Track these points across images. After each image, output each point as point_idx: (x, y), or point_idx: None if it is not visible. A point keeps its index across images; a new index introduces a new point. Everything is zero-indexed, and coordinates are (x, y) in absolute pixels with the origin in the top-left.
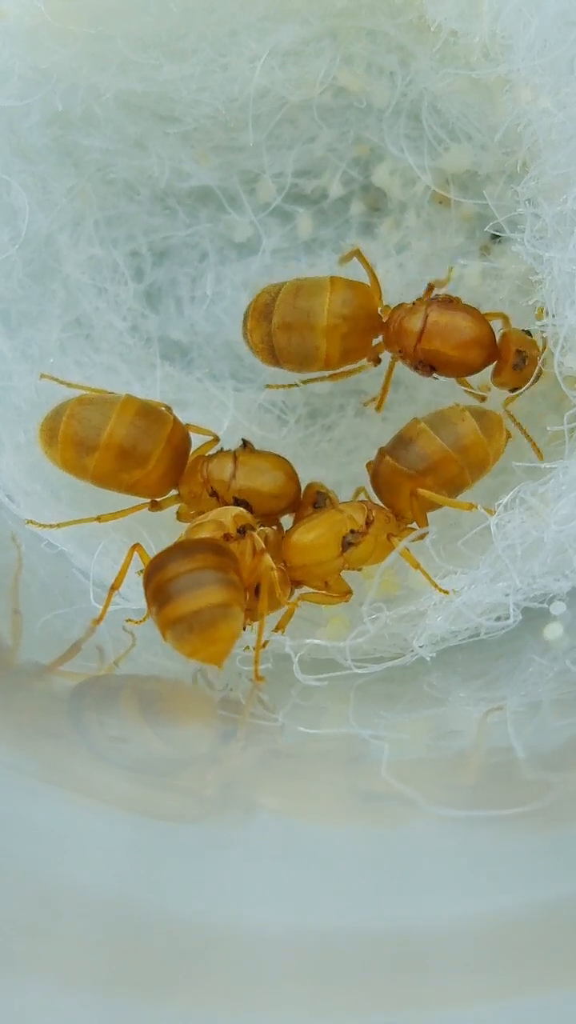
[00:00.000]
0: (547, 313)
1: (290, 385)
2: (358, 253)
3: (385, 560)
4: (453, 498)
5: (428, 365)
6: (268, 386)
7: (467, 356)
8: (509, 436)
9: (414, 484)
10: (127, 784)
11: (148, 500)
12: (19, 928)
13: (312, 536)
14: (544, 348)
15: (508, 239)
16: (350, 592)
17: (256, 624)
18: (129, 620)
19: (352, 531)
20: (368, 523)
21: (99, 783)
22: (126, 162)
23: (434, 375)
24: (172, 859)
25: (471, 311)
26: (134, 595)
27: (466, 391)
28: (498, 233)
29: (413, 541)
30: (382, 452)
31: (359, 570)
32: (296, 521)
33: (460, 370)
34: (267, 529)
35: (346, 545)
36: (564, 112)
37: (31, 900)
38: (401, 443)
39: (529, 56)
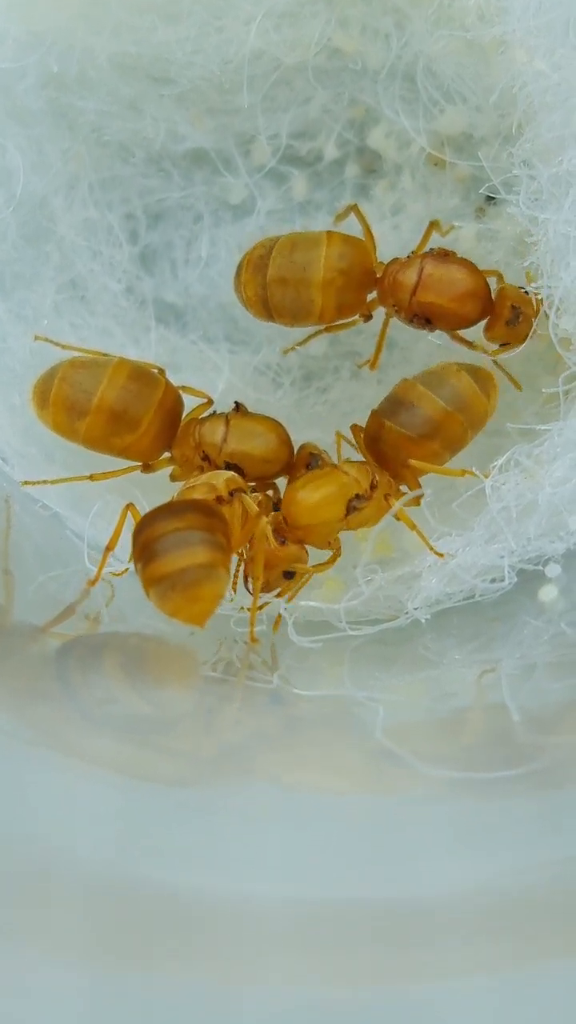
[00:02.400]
0: (542, 275)
1: (306, 339)
2: (355, 209)
3: (379, 522)
4: (453, 455)
5: (424, 318)
6: (284, 351)
7: (463, 308)
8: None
9: (418, 448)
10: (118, 747)
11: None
12: (8, 895)
13: (319, 496)
14: (539, 309)
15: (503, 201)
16: (338, 554)
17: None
18: (110, 572)
19: (358, 496)
20: (372, 487)
21: (90, 746)
22: (121, 124)
23: (429, 328)
24: (164, 824)
25: (466, 263)
26: (128, 555)
27: (458, 343)
28: (493, 195)
29: (408, 504)
30: (378, 415)
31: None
32: (290, 484)
33: (455, 322)
34: (259, 494)
35: (351, 509)
36: (559, 74)
37: (21, 866)
38: (400, 406)
39: (524, 18)
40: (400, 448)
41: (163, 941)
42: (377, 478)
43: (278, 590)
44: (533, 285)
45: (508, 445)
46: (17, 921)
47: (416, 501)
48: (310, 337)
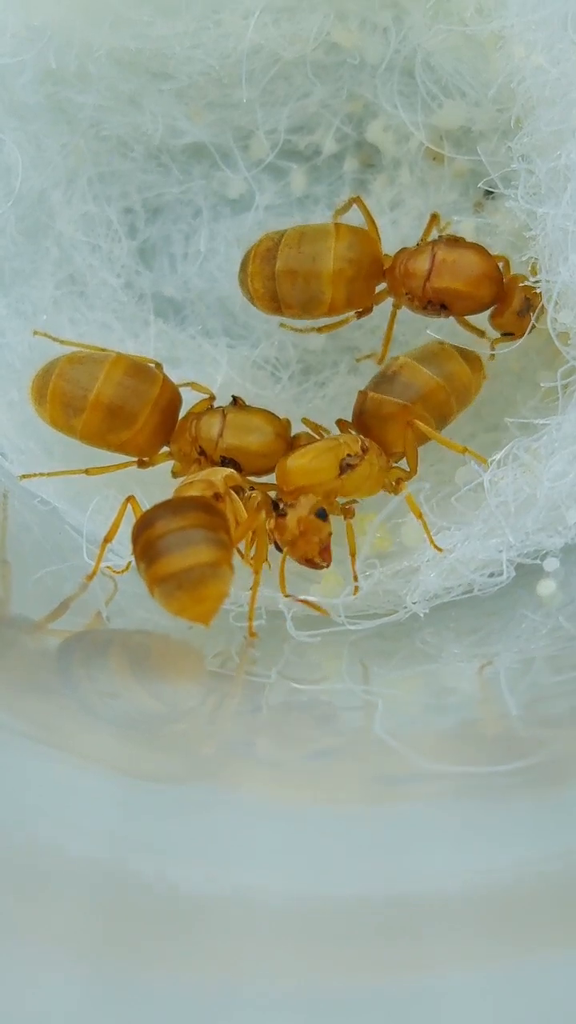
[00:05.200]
0: (540, 269)
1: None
2: (358, 200)
3: (372, 517)
4: (440, 430)
5: (438, 304)
6: (283, 326)
7: (478, 291)
8: (485, 376)
9: (403, 413)
10: (118, 742)
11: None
12: (5, 889)
13: (309, 458)
14: (539, 304)
15: (502, 195)
16: (352, 511)
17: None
18: (109, 568)
19: (350, 455)
20: (364, 450)
21: (90, 741)
22: (119, 119)
23: (444, 314)
24: (162, 819)
25: (477, 247)
26: (128, 550)
27: (467, 330)
28: (492, 189)
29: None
30: (362, 392)
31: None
32: None
33: (471, 306)
34: (257, 493)
35: (344, 467)
36: (557, 68)
37: (19, 861)
38: (384, 379)
39: (523, 12)
40: (385, 417)
41: (161, 936)
42: (367, 443)
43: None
44: (532, 279)
45: (506, 439)
46: (14, 915)
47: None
48: (312, 330)
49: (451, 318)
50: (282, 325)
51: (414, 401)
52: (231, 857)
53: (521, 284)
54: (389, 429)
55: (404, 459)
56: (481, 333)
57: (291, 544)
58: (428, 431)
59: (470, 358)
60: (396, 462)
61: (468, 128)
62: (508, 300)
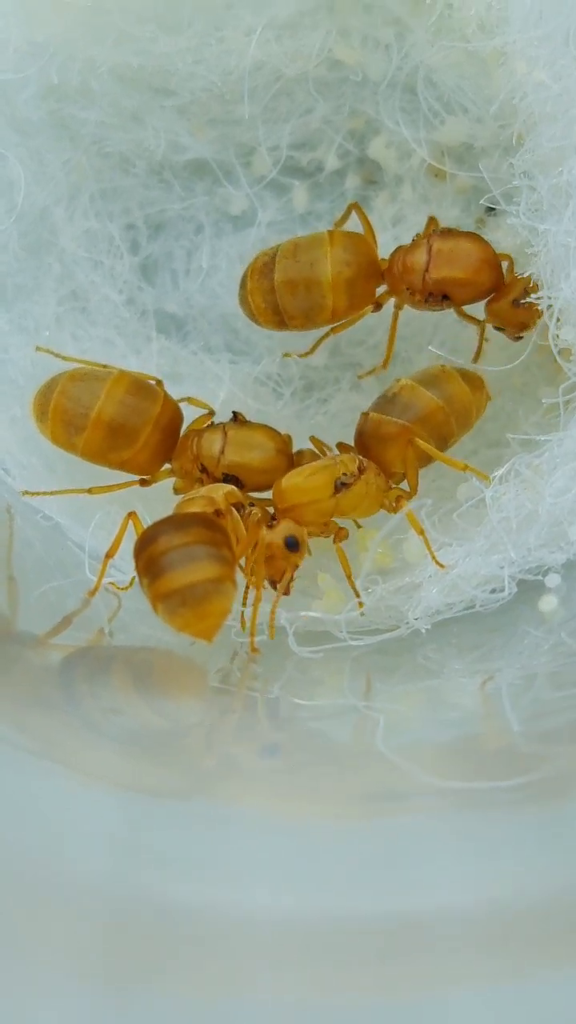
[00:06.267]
0: (542, 286)
1: (316, 344)
2: (356, 207)
3: (375, 533)
4: (441, 452)
5: (439, 295)
6: (286, 356)
7: (478, 277)
8: (490, 398)
9: (403, 433)
10: (121, 758)
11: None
12: (8, 906)
13: (303, 477)
14: (537, 320)
15: (503, 212)
16: (344, 533)
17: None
18: (112, 583)
19: (345, 474)
20: (360, 470)
21: (93, 757)
22: (122, 135)
23: (445, 306)
24: (164, 836)
25: (471, 234)
26: (129, 566)
27: (463, 320)
28: (493, 206)
29: (407, 498)
30: (364, 413)
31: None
32: None
33: (472, 293)
34: (257, 510)
35: (339, 487)
36: (559, 84)
37: (22, 877)
38: (385, 400)
39: (525, 28)
40: (385, 437)
41: (164, 953)
42: (365, 463)
43: (288, 580)
44: (534, 296)
45: (508, 455)
46: (17, 931)
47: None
48: (320, 341)
49: (450, 324)
50: (285, 355)
51: (414, 422)
52: (233, 872)
53: (523, 280)
54: (389, 449)
55: (405, 479)
56: (479, 323)
57: (265, 561)
58: (428, 449)
59: (471, 380)
60: (397, 483)
61: (470, 144)
62: (507, 289)
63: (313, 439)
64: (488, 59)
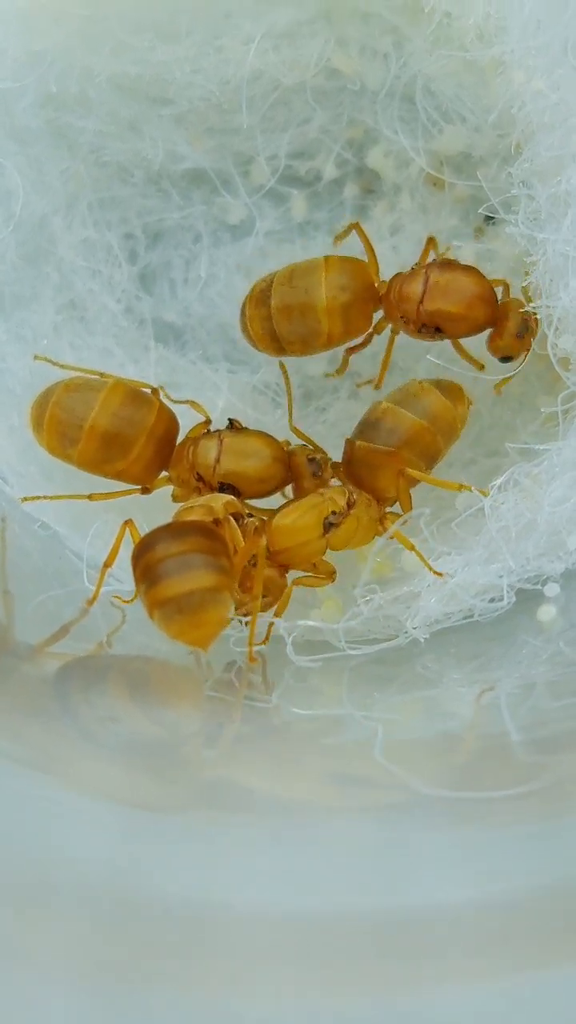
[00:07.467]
0: (541, 295)
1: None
2: (356, 227)
3: (373, 542)
4: (431, 468)
5: (432, 327)
6: (327, 374)
7: (471, 312)
8: (470, 402)
9: (391, 461)
10: (118, 767)
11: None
12: (7, 914)
13: (292, 519)
14: (537, 328)
15: (502, 221)
16: (334, 572)
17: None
18: (116, 596)
19: (333, 512)
20: (349, 505)
21: (89, 767)
22: (120, 144)
23: (438, 337)
24: (164, 843)
25: (470, 269)
26: (128, 575)
27: (462, 356)
28: (492, 215)
29: (401, 525)
30: (350, 441)
31: (353, 550)
32: (295, 492)
33: (465, 328)
34: (254, 519)
35: (327, 526)
36: (558, 94)
37: (19, 886)
38: (369, 426)
39: (523, 37)
40: (375, 466)
41: (161, 959)
42: (355, 496)
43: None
44: (531, 305)
45: (507, 465)
46: (15, 940)
47: (404, 523)
48: (346, 359)
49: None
50: (328, 375)
51: (400, 446)
52: (230, 880)
53: (518, 305)
54: (380, 477)
55: (398, 503)
56: (481, 367)
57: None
58: (421, 477)
59: (450, 391)
60: (390, 506)
61: (468, 154)
62: (505, 322)
63: (296, 430)
64: (486, 68)
